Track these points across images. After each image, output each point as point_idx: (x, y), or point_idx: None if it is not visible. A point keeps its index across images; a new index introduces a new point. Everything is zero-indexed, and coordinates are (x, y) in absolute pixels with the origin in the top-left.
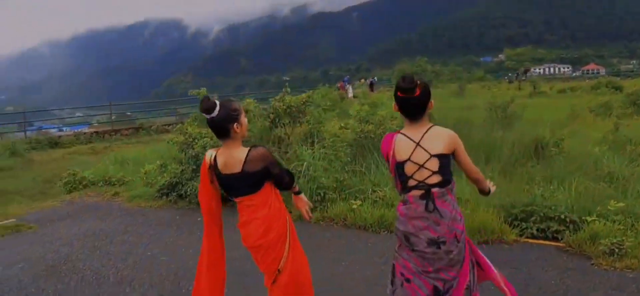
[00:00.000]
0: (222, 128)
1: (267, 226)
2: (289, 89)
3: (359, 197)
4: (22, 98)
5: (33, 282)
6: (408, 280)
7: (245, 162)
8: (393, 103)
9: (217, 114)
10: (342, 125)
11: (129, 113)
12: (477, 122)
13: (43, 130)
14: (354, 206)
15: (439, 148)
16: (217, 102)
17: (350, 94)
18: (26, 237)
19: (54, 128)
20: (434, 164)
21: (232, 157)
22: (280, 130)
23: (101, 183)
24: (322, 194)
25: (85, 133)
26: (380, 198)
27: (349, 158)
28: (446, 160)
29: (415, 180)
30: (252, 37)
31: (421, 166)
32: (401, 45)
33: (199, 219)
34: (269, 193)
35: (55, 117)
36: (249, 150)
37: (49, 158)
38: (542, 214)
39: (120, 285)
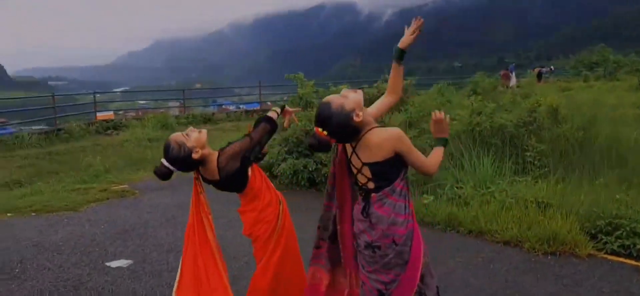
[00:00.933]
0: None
1: (256, 218)
2: (387, 76)
3: (437, 193)
4: (208, 77)
5: (105, 240)
6: (364, 282)
7: (219, 170)
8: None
9: (175, 169)
10: (453, 116)
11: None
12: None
13: (223, 106)
14: (426, 201)
15: (370, 157)
16: (166, 164)
17: (513, 83)
18: (124, 202)
19: (231, 105)
20: (367, 172)
21: (209, 169)
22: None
23: None
24: None
25: (256, 111)
26: (457, 195)
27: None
28: (380, 167)
29: (359, 182)
30: (425, 21)
31: (359, 171)
32: (589, 32)
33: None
34: (258, 185)
35: (235, 95)
36: (217, 157)
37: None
38: (628, 228)
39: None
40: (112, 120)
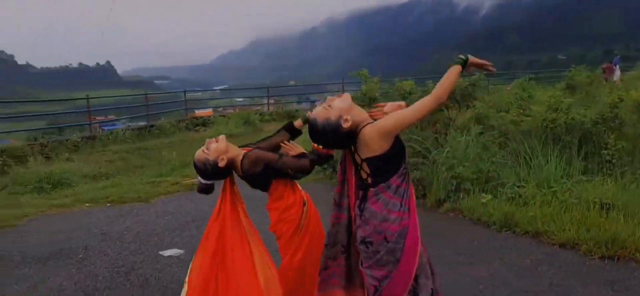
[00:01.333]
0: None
1: (279, 217)
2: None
3: (497, 191)
4: (301, 74)
5: (164, 231)
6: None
7: (242, 170)
8: None
9: (209, 180)
10: (524, 111)
11: None
12: None
13: (316, 103)
14: (484, 200)
15: (366, 152)
16: (203, 181)
17: (616, 77)
18: (191, 195)
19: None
20: (366, 167)
21: (235, 167)
22: (441, 113)
23: None
24: (454, 184)
25: None
26: (517, 194)
27: (497, 148)
28: (376, 162)
29: (362, 178)
30: (525, 13)
31: (360, 167)
32: None
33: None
34: (283, 186)
35: (326, 91)
36: (242, 159)
37: (274, 128)
38: None
39: None
40: (209, 117)
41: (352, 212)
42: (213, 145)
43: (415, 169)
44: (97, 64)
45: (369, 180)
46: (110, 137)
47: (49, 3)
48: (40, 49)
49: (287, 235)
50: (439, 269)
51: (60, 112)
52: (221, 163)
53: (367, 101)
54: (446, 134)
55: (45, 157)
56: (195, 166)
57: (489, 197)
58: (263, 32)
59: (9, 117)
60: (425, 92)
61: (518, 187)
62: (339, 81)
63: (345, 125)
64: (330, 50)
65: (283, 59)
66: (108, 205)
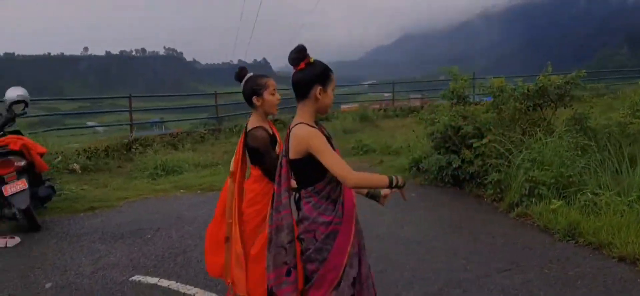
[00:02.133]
0: (246, 98)
1: (251, 199)
2: (550, 68)
3: (572, 198)
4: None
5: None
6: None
7: (246, 134)
8: None
9: (244, 85)
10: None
11: None
12: None
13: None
14: (553, 206)
15: (292, 153)
16: (248, 74)
17: None
18: None
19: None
20: (292, 167)
21: (248, 124)
22: (536, 113)
23: (378, 151)
24: (528, 188)
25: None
26: (592, 202)
27: (578, 151)
28: (300, 165)
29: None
30: None
31: (289, 164)
32: None
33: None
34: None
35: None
36: (253, 128)
37: (392, 125)
38: None
39: None
40: (355, 112)
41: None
42: None
43: (496, 170)
44: (255, 60)
45: (295, 182)
46: (234, 130)
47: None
48: (205, 47)
49: (253, 224)
50: (470, 275)
51: (222, 104)
52: (258, 102)
53: (456, 98)
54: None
55: (172, 146)
56: None
57: (559, 203)
58: (413, 27)
59: (180, 108)
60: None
61: (595, 194)
62: (501, 75)
63: (317, 91)
64: (484, 43)
65: (433, 53)
66: (198, 191)
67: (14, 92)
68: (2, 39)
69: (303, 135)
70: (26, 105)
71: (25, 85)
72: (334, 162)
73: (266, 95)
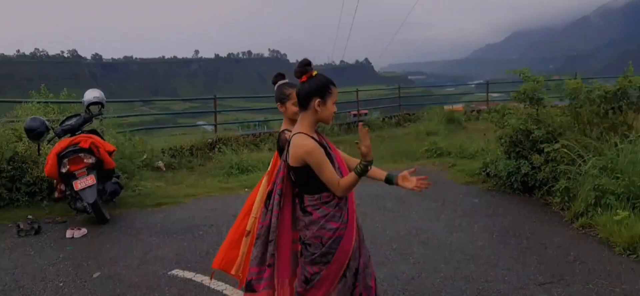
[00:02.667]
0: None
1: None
2: (632, 68)
3: None
4: (570, 67)
5: None
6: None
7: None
8: None
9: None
10: None
11: None
12: None
13: None
14: (617, 217)
15: (291, 160)
16: (281, 81)
17: None
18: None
19: None
20: (292, 174)
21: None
22: (616, 116)
23: (453, 154)
24: (593, 197)
25: None
26: None
27: None
28: (301, 172)
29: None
30: None
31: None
32: None
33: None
34: (272, 169)
35: None
36: (281, 131)
37: (482, 127)
38: None
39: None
40: (460, 112)
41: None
42: None
43: (566, 177)
44: (356, 61)
45: (297, 188)
46: (319, 130)
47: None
48: (309, 48)
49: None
50: (506, 286)
51: None
52: (282, 108)
53: (528, 101)
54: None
55: (255, 145)
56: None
57: (625, 213)
58: (524, 23)
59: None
60: None
61: None
62: (613, 75)
63: (316, 103)
64: (604, 41)
65: (547, 51)
66: (246, 190)
67: (91, 94)
68: (122, 44)
69: (301, 148)
70: (102, 106)
71: (142, 85)
72: (328, 178)
73: (288, 105)
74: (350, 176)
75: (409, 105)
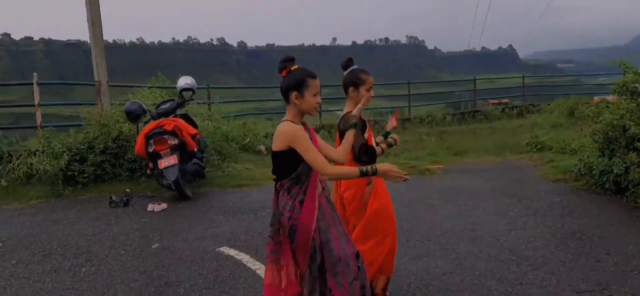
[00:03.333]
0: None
1: (347, 183)
2: None
3: None
4: None
5: None
6: None
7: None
8: None
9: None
10: None
11: None
12: None
13: None
14: None
15: (274, 145)
16: (353, 66)
17: None
18: (421, 181)
19: None
20: (273, 160)
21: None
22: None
23: (554, 150)
24: None
25: None
26: None
27: None
28: (280, 157)
29: None
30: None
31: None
32: None
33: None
34: None
35: None
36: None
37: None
38: None
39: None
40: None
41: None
42: None
43: None
44: (500, 47)
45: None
46: (427, 119)
47: None
48: (448, 35)
49: (351, 207)
50: (539, 290)
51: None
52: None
53: (629, 95)
54: None
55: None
56: None
57: None
58: None
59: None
60: None
61: None
62: None
63: (293, 96)
64: None
65: None
66: None
67: (183, 81)
68: (265, 32)
69: (288, 131)
70: (193, 92)
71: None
72: (314, 158)
73: (363, 89)
74: (351, 168)
75: (545, 94)
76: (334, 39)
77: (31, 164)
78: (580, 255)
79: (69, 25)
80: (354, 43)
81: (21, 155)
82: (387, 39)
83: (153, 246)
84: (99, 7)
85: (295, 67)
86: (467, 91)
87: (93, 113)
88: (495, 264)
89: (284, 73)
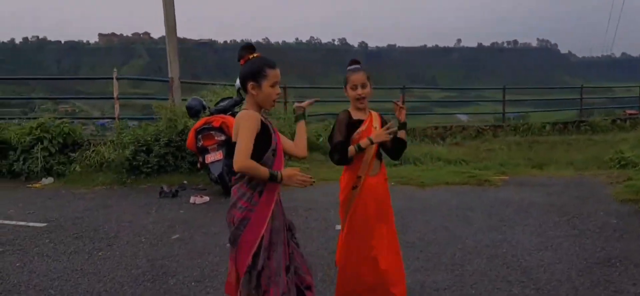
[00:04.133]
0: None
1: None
2: None
3: None
4: None
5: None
6: None
7: None
8: None
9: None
10: None
11: None
12: None
13: None
14: None
15: (233, 135)
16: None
17: None
18: (464, 190)
19: None
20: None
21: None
22: None
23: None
24: None
25: None
26: None
27: None
28: (233, 147)
29: None
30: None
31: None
32: None
33: None
34: None
35: None
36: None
37: None
38: None
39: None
40: None
41: None
42: None
43: None
44: None
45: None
46: (522, 126)
47: None
48: (581, 39)
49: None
50: None
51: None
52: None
53: None
54: None
55: (431, 138)
56: None
57: None
58: None
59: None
60: None
61: None
62: None
63: (250, 86)
64: None
65: None
66: (392, 183)
67: None
68: (386, 32)
69: (239, 118)
70: None
71: (401, 73)
72: (240, 145)
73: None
74: (264, 169)
75: None
76: (459, 40)
77: (102, 153)
78: (599, 284)
79: (200, 25)
80: (479, 45)
81: (99, 143)
82: (515, 42)
83: (173, 237)
84: (173, 7)
85: (256, 55)
86: (598, 98)
87: (163, 108)
88: (498, 284)
89: (242, 61)
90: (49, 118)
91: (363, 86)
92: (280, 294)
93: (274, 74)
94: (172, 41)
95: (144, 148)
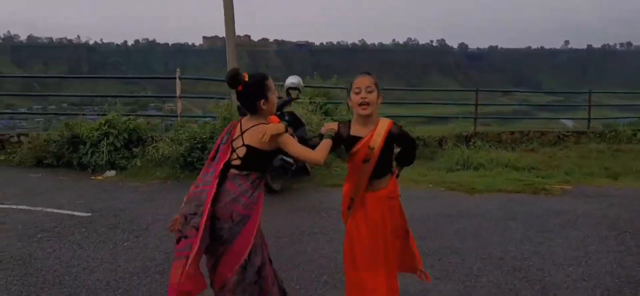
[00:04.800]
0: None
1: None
2: None
3: None
4: None
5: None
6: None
7: None
8: None
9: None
10: None
11: None
12: None
13: None
14: None
15: (253, 141)
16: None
17: None
18: (516, 198)
19: None
20: (242, 151)
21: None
22: None
23: None
24: None
25: None
26: None
27: None
28: (259, 154)
29: (231, 159)
30: None
31: (234, 150)
32: None
33: None
34: None
35: None
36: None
37: None
38: None
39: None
40: None
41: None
42: None
43: None
44: None
45: (236, 162)
46: (609, 133)
47: None
48: None
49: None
50: None
51: None
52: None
53: None
54: None
55: (498, 142)
56: None
57: None
58: None
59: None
60: None
61: None
62: None
63: (262, 102)
64: None
65: None
66: (442, 188)
67: (290, 80)
68: (487, 33)
69: (264, 131)
70: (299, 91)
71: (504, 76)
72: (299, 148)
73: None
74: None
75: None
76: (566, 42)
77: (161, 149)
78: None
79: (298, 28)
80: (589, 46)
81: (161, 139)
82: (629, 43)
83: None
84: (232, 7)
85: (247, 76)
86: None
87: (218, 107)
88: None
89: (240, 87)
90: (116, 115)
91: (368, 90)
92: (275, 283)
93: (271, 82)
94: (231, 43)
95: (199, 146)
